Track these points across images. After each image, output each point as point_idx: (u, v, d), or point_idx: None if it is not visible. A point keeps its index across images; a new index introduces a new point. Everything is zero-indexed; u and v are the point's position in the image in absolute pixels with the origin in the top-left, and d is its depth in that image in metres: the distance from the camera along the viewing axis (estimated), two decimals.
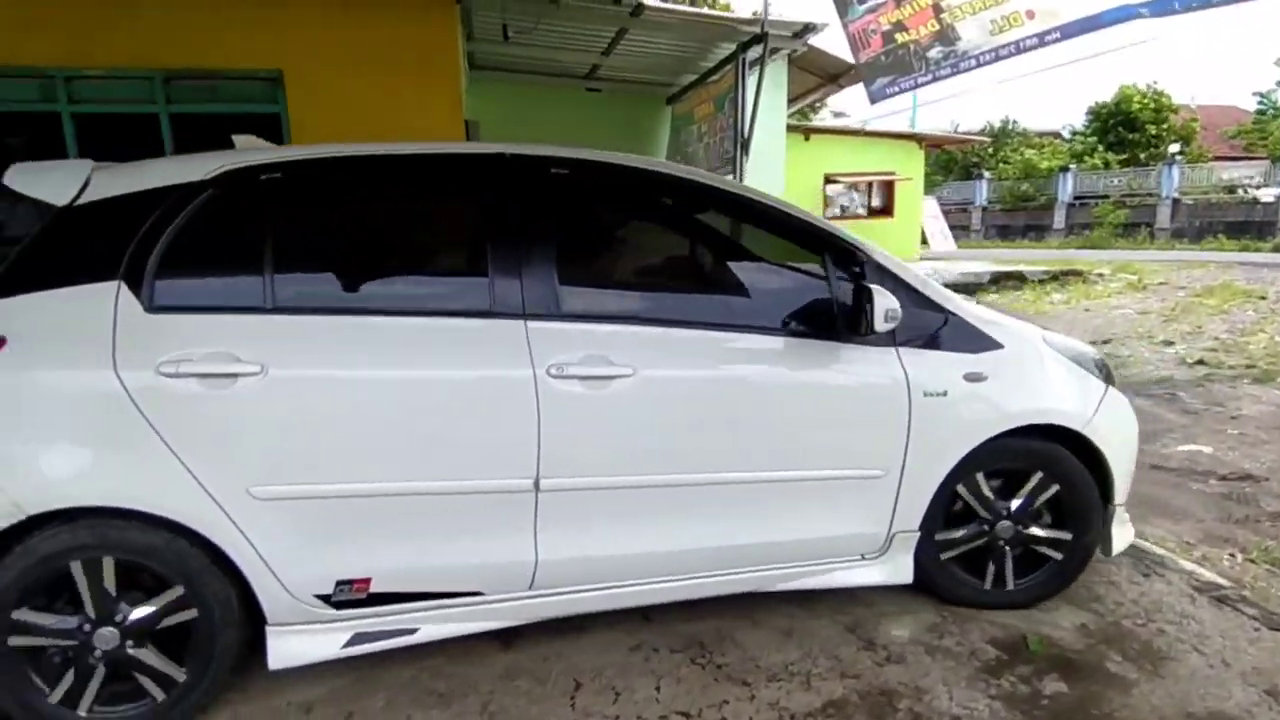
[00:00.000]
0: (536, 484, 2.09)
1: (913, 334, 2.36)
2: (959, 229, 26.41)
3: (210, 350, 1.86)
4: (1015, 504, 2.52)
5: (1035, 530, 2.55)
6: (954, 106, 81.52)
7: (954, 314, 2.43)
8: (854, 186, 16.06)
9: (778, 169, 10.98)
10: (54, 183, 1.89)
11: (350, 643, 2.10)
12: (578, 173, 2.33)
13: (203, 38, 5.53)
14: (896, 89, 5.77)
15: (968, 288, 11.98)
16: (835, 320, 2.28)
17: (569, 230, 2.32)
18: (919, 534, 2.47)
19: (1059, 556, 2.59)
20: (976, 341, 2.42)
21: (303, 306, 1.98)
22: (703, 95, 8.70)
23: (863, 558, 2.47)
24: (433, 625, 2.16)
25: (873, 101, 6.23)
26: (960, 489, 2.48)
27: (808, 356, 2.32)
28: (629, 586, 2.29)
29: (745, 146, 7.11)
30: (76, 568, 1.82)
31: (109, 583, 1.86)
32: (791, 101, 11.59)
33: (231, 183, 2.00)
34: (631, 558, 2.26)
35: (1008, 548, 2.54)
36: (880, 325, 2.17)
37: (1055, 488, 2.53)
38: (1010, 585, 2.57)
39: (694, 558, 2.33)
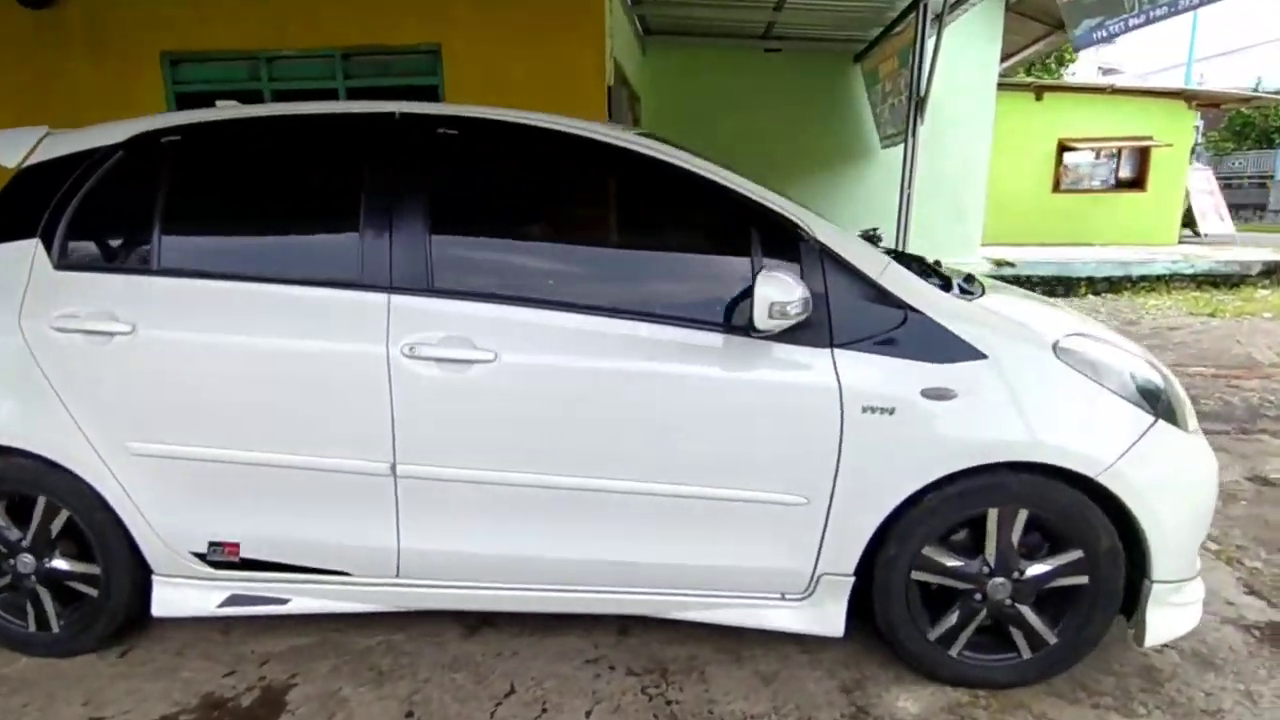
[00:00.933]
0: (393, 469, 1.97)
1: (857, 334, 1.88)
2: (1251, 208, 21.63)
3: (93, 308, 1.95)
4: (1032, 570, 1.96)
5: (1027, 612, 1.98)
6: (1259, 58, 65.49)
7: (917, 311, 1.89)
8: (1098, 153, 13.62)
9: (983, 133, 9.69)
10: (9, 146, 2.07)
11: (226, 603, 2.13)
12: (467, 133, 2.08)
13: (375, 17, 5.96)
14: (1104, 33, 4.69)
15: (1221, 278, 9.75)
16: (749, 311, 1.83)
17: (449, 198, 2.06)
18: (853, 579, 2.00)
19: (1027, 655, 2.00)
20: (946, 348, 1.86)
21: (180, 269, 1.99)
22: (887, 50, 7.81)
23: (783, 597, 2.05)
24: (303, 599, 2.13)
25: (1077, 48, 5.34)
26: (990, 513, 1.95)
27: (712, 354, 1.90)
28: (509, 590, 2.10)
29: (921, 106, 6.26)
30: None
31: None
32: (1012, 55, 10.09)
33: (139, 146, 2.05)
34: (506, 559, 2.06)
35: (985, 610, 1.99)
36: (763, 322, 1.75)
37: (1084, 580, 1.94)
38: (954, 652, 2.03)
39: (579, 569, 2.06)
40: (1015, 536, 1.93)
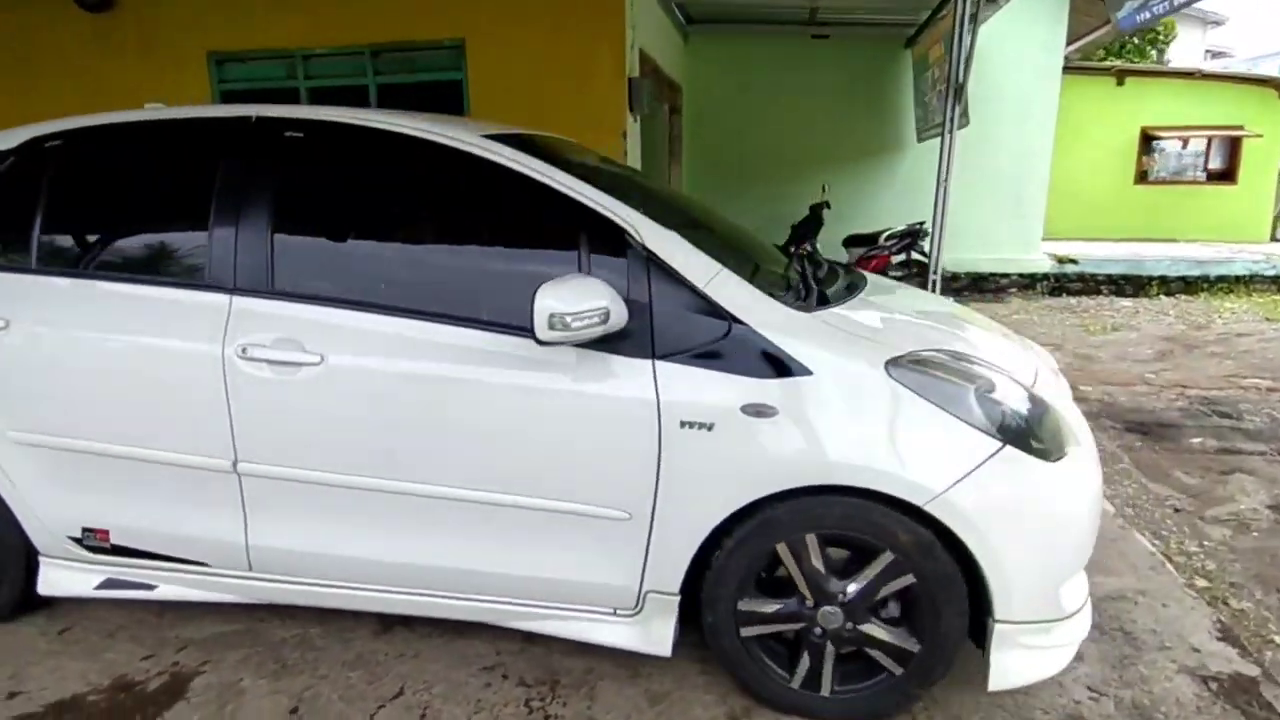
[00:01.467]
0: (235, 467, 2.04)
1: (679, 345, 1.80)
2: None
3: None
4: (852, 588, 1.83)
5: (873, 629, 1.86)
6: None
7: (741, 323, 1.80)
8: (1185, 143, 12.58)
9: (1046, 120, 9.09)
10: None
11: (102, 585, 2.25)
12: (311, 135, 2.11)
13: (402, 15, 6.08)
14: (1148, 14, 4.31)
15: None
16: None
17: (291, 201, 2.08)
18: (678, 598, 1.93)
19: (899, 671, 1.86)
20: (768, 363, 1.77)
21: (50, 268, 2.14)
22: (934, 34, 7.40)
23: (614, 612, 2.00)
24: (169, 586, 2.24)
25: (1123, 31, 4.76)
26: (780, 549, 1.84)
27: (532, 362, 1.84)
28: (357, 590, 2.13)
29: (959, 94, 5.90)
30: None
31: None
32: (1083, 36, 9.43)
33: (29, 151, 2.21)
34: (348, 560, 2.08)
35: (830, 642, 1.88)
36: (543, 333, 1.69)
37: (910, 579, 1.79)
38: (826, 691, 1.91)
39: (416, 573, 2.07)
40: (818, 562, 1.83)
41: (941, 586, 1.76)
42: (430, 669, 2.14)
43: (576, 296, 1.69)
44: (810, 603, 1.86)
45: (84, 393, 2.12)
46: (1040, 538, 1.77)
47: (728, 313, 1.81)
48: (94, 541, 2.21)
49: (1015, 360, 2.06)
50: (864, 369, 1.78)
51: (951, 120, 5.91)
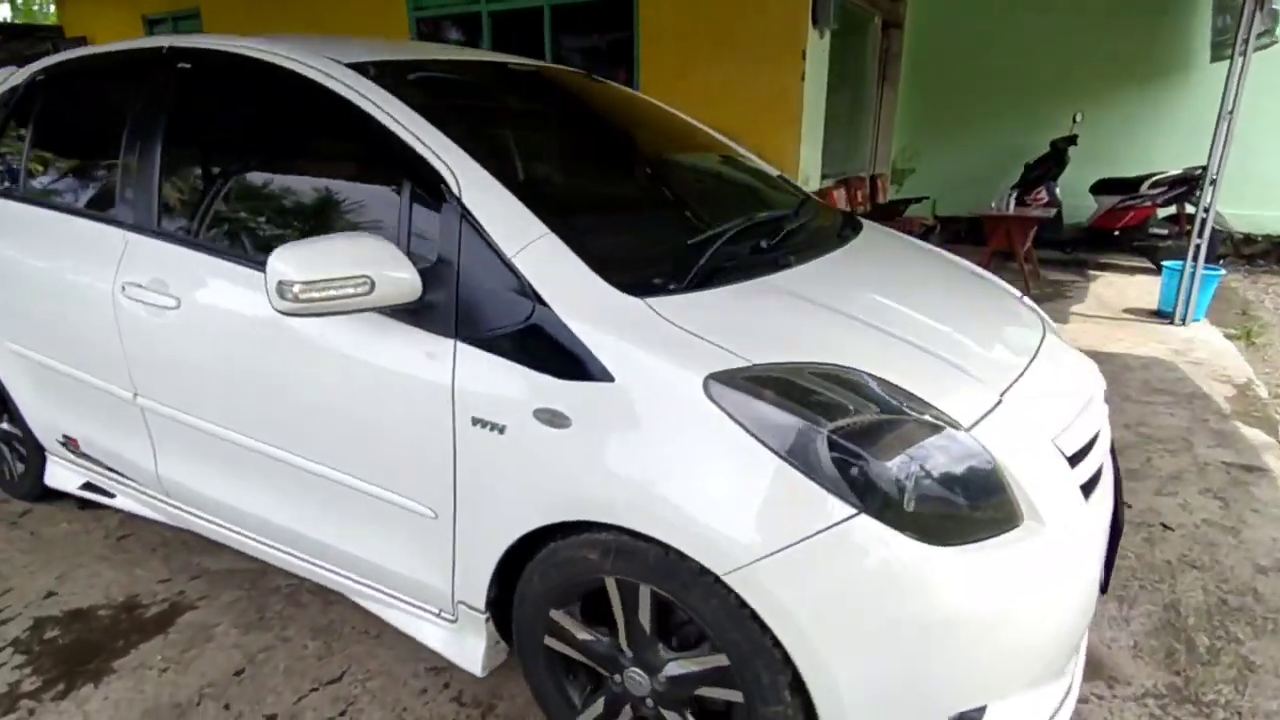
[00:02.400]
0: (135, 399, 2.09)
1: (482, 326, 1.46)
2: None
3: None
4: (671, 666, 1.44)
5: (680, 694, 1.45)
6: None
7: (546, 305, 1.41)
8: None
9: None
10: None
11: (82, 486, 2.53)
12: (200, 66, 2.01)
13: None
14: None
15: None
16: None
17: (178, 136, 1.98)
18: (486, 615, 1.65)
19: None
20: (569, 360, 1.38)
21: (13, 194, 2.37)
22: None
23: (440, 615, 1.75)
24: (123, 498, 2.44)
25: None
26: (609, 583, 1.45)
27: (341, 325, 1.58)
28: (232, 531, 2.11)
29: (1261, 2, 4.29)
30: None
31: None
32: None
33: (26, 86, 2.43)
34: (218, 502, 2.08)
35: (630, 706, 1.52)
36: (276, 302, 1.41)
37: (722, 659, 1.35)
38: None
39: (262, 526, 2.01)
40: (646, 619, 1.43)
41: (761, 688, 1.31)
42: (381, 656, 1.99)
43: (316, 262, 1.39)
44: (625, 656, 1.49)
45: (38, 313, 2.32)
46: (908, 647, 1.22)
47: (534, 291, 1.43)
48: (72, 448, 2.43)
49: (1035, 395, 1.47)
50: (676, 382, 1.31)
51: (1248, 34, 4.34)
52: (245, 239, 1.87)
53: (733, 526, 1.25)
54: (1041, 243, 6.44)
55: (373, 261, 1.43)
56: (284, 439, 1.82)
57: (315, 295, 1.39)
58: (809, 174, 5.75)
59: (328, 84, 1.73)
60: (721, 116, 5.54)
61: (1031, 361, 1.58)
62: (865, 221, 2.27)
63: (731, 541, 1.25)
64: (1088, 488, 1.44)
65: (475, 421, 1.48)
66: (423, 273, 1.49)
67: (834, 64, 5.92)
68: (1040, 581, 1.29)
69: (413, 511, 1.65)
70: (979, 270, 2.20)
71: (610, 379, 1.35)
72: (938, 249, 2.34)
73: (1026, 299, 2.08)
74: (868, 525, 1.19)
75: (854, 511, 1.20)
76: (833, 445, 1.23)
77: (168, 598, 2.25)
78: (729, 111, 5.57)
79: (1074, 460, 1.42)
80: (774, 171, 2.58)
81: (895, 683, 1.25)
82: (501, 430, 1.45)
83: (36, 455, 2.61)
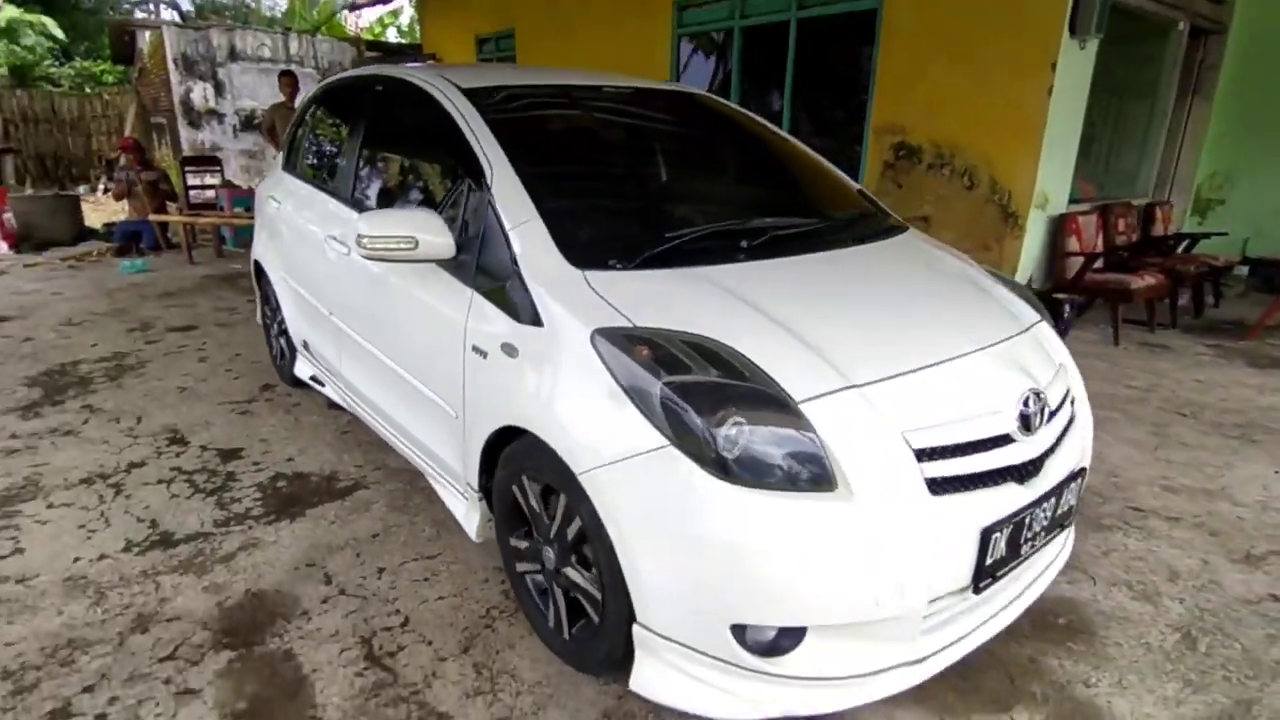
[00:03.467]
0: (329, 315, 3.03)
1: (490, 281, 2.05)
2: None
3: (276, 193, 3.72)
4: (555, 528, 1.91)
5: (572, 572, 1.89)
6: None
7: (518, 269, 1.95)
8: None
9: None
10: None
11: (312, 378, 3.58)
12: (386, 87, 2.98)
13: None
14: None
15: None
16: None
17: (369, 133, 3.00)
18: (478, 495, 2.19)
19: (596, 618, 1.84)
20: (524, 310, 1.90)
21: (297, 174, 3.60)
22: None
23: (463, 493, 2.32)
24: (329, 387, 3.40)
25: None
26: (522, 483, 1.99)
27: (414, 270, 2.28)
28: (372, 418, 2.92)
29: None
30: None
31: None
32: None
33: (311, 99, 3.79)
34: (365, 396, 2.88)
35: (554, 584, 1.97)
36: (355, 248, 2.29)
37: (577, 523, 1.79)
38: (567, 635, 1.95)
39: (388, 417, 2.73)
40: (535, 502, 1.96)
41: (600, 558, 1.72)
42: (469, 550, 2.49)
43: (381, 225, 2.05)
44: (541, 542, 1.96)
45: (294, 254, 3.41)
46: (694, 559, 1.54)
47: (514, 257, 1.96)
48: (306, 349, 3.50)
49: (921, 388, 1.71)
50: (575, 331, 1.75)
51: None
52: (373, 205, 2.75)
53: (588, 441, 1.66)
54: None
55: (420, 228, 2.06)
56: (385, 348, 2.59)
57: (378, 247, 2.04)
58: (1049, 195, 5.26)
59: (440, 100, 2.45)
60: (952, 127, 5.35)
61: (929, 367, 1.75)
62: (903, 231, 2.56)
63: (585, 450, 1.66)
64: (948, 484, 1.62)
65: (473, 349, 2.04)
66: (461, 238, 2.11)
67: (1108, 74, 5.33)
68: (831, 540, 1.51)
69: (445, 410, 2.24)
70: (993, 288, 2.28)
71: (541, 325, 1.82)
72: (969, 263, 2.45)
73: (1042, 325, 2.21)
74: (677, 457, 1.52)
75: (666, 444, 1.53)
76: (664, 393, 1.57)
77: (355, 478, 3.01)
78: (961, 122, 5.36)
79: (929, 455, 1.61)
80: (854, 185, 2.82)
81: (684, 583, 1.56)
82: (485, 356, 2.00)
83: (291, 353, 3.76)
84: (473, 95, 2.42)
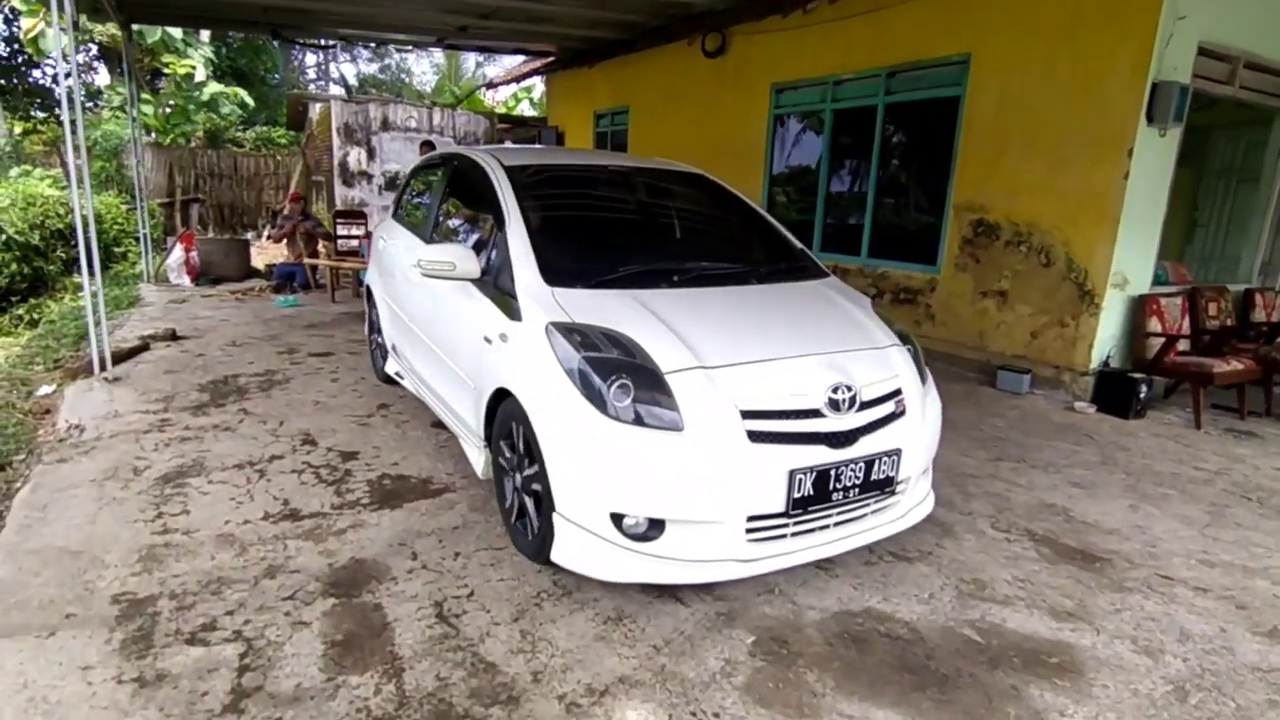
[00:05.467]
0: (409, 321, 4.17)
1: (501, 292, 3.02)
2: None
3: (383, 234, 5.04)
4: (522, 454, 2.79)
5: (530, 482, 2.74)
6: None
7: (514, 284, 2.92)
8: None
9: None
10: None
11: (395, 374, 4.65)
12: (457, 162, 4.23)
13: (919, 35, 6.36)
14: None
15: None
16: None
17: (440, 195, 4.31)
18: (484, 445, 3.10)
19: (535, 525, 2.74)
20: (514, 313, 2.84)
21: (400, 218, 4.83)
22: None
23: (479, 445, 3.18)
24: (407, 381, 4.46)
25: None
26: (511, 427, 2.85)
27: (458, 285, 3.28)
28: (430, 396, 3.90)
29: None
30: None
31: None
32: None
33: (413, 169, 5.04)
34: (428, 384, 3.90)
35: (519, 493, 2.85)
36: (417, 268, 3.29)
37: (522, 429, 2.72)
38: (521, 526, 2.87)
39: (439, 396, 3.72)
40: (517, 440, 2.80)
41: (537, 463, 2.62)
42: (504, 573, 2.95)
43: (434, 254, 3.17)
44: (516, 463, 2.83)
45: (391, 278, 4.54)
46: (586, 469, 2.46)
47: (513, 279, 2.94)
48: (396, 350, 4.53)
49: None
50: (537, 324, 2.69)
51: None
52: (439, 240, 3.94)
53: (537, 394, 2.61)
54: None
55: (457, 258, 3.14)
56: (437, 341, 3.64)
57: (431, 269, 3.14)
58: (1126, 276, 5.31)
59: (487, 170, 3.55)
60: (1029, 207, 5.57)
61: (763, 361, 2.58)
62: (819, 278, 3.45)
63: (535, 400, 2.61)
64: (764, 436, 2.42)
65: (484, 338, 3.01)
66: (487, 264, 3.16)
67: (1211, 159, 5.39)
68: (675, 462, 2.36)
69: (468, 384, 3.21)
70: (865, 321, 3.04)
71: (522, 320, 2.79)
72: (857, 302, 3.23)
73: (894, 349, 2.90)
74: (583, 403, 2.44)
75: (578, 394, 2.45)
76: (580, 364, 2.49)
77: (445, 483, 3.55)
78: (1037, 203, 5.56)
79: (750, 416, 2.42)
80: (797, 245, 3.81)
81: (582, 483, 2.48)
82: (490, 343, 2.96)
83: (384, 354, 4.81)
84: (509, 170, 3.47)
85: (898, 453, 2.65)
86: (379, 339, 4.89)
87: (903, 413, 2.73)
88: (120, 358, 5.36)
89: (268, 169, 16.58)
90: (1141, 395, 5.07)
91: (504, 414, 2.86)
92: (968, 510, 3.50)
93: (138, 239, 9.77)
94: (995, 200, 5.87)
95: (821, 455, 2.47)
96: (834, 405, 2.53)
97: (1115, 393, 5.17)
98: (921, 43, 6.31)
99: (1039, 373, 5.64)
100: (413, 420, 4.38)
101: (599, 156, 4.54)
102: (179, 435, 4.02)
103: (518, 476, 2.81)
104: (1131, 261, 5.30)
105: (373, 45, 22.77)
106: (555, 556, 2.57)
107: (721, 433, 2.37)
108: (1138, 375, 5.14)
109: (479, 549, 2.92)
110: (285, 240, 9.47)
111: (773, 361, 2.59)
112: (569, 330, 2.59)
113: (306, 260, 9.06)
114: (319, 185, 13.78)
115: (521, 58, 13.42)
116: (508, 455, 2.90)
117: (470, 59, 23.30)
